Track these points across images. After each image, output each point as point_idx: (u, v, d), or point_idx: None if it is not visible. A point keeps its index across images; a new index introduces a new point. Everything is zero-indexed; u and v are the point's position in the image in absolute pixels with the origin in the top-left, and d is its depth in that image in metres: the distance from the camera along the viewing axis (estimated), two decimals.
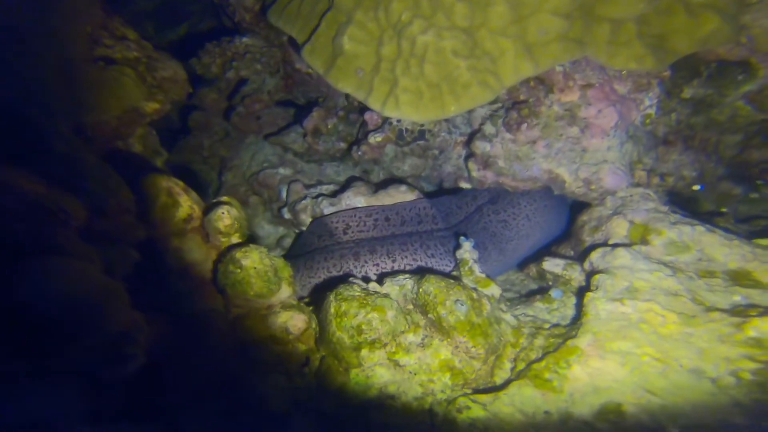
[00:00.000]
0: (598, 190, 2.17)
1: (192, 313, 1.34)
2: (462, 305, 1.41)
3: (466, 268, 1.89)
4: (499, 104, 2.49)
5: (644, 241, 1.83)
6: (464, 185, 2.83)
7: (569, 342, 1.42)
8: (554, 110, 2.27)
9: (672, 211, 1.97)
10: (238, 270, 1.41)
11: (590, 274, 1.65)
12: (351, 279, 1.55)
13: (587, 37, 1.84)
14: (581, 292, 1.58)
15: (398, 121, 2.50)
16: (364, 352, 1.32)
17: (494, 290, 1.78)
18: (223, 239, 1.51)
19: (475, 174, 2.62)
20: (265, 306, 1.39)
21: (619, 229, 1.94)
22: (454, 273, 1.94)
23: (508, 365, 1.56)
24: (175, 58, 2.31)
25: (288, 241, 2.83)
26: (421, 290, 1.48)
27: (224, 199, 1.58)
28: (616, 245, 1.82)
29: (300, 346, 1.39)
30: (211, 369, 1.23)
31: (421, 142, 2.88)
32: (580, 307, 1.54)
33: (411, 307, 1.51)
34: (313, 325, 1.44)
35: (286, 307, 1.42)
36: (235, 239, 1.51)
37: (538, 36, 1.81)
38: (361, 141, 2.57)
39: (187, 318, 1.30)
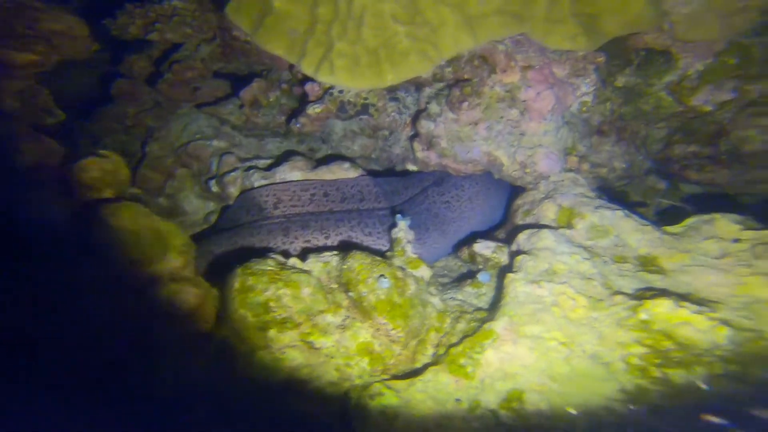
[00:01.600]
0: (532, 174, 2.21)
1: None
2: (385, 282, 1.37)
3: (399, 248, 1.85)
4: (445, 83, 2.46)
5: (569, 225, 1.89)
6: (411, 167, 2.80)
7: (486, 326, 1.43)
8: (496, 91, 2.26)
9: (598, 197, 2.04)
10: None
11: (515, 256, 1.67)
12: (270, 254, 1.46)
13: (525, 12, 1.82)
14: (504, 274, 1.59)
15: (340, 92, 2.39)
16: (272, 332, 1.24)
17: (424, 272, 1.76)
18: (88, 193, 1.34)
19: (419, 154, 2.59)
20: (145, 276, 1.26)
21: (549, 213, 1.98)
22: (388, 253, 1.91)
23: (431, 350, 1.55)
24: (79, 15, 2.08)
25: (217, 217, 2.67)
26: (345, 267, 1.42)
27: (101, 151, 1.41)
28: (542, 227, 1.86)
29: (199, 326, 1.28)
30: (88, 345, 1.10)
31: (370, 121, 2.80)
32: (501, 289, 1.55)
33: (335, 286, 1.45)
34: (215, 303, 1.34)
35: (175, 279, 1.29)
36: (108, 194, 1.35)
37: (478, 7, 1.77)
38: (299, 112, 2.44)
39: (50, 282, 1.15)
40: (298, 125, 2.42)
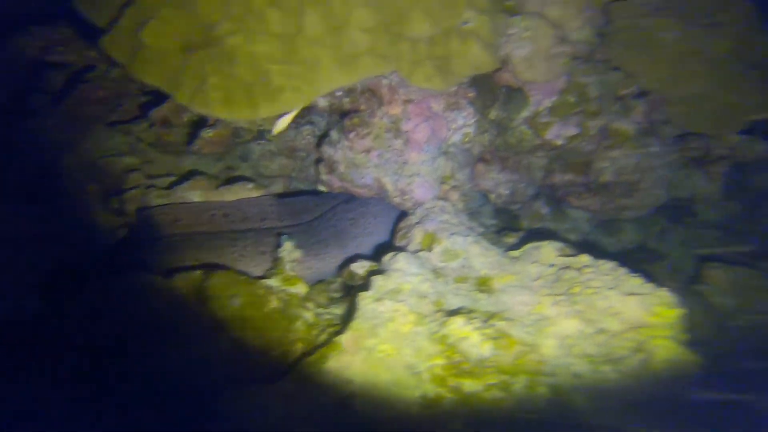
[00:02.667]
0: (410, 201, 2.50)
1: None
2: (236, 300, 1.58)
3: (280, 267, 2.07)
4: (340, 113, 2.72)
5: (430, 248, 2.18)
6: (322, 188, 3.04)
7: (335, 338, 1.68)
8: (384, 122, 2.54)
9: (460, 223, 2.35)
10: None
11: (373, 275, 1.93)
12: (141, 272, 1.63)
13: (392, 53, 2.10)
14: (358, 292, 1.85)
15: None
16: None
17: (300, 288, 1.99)
18: None
19: (323, 177, 2.83)
20: None
21: (418, 237, 2.27)
22: (269, 272, 2.12)
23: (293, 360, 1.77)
24: None
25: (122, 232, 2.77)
26: (205, 285, 1.62)
27: None
28: (406, 250, 2.15)
29: None
30: None
31: (288, 142, 3.01)
32: (353, 305, 1.80)
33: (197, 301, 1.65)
34: None
35: None
36: None
37: (350, 48, 2.03)
38: (195, 135, 2.62)
39: None
40: (196, 147, 2.59)
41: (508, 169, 3.08)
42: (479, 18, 2.14)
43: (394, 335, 1.66)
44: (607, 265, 1.87)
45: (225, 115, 1.94)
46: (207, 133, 2.56)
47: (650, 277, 1.82)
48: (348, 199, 2.86)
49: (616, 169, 2.96)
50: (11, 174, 2.85)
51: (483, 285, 2.04)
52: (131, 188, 2.60)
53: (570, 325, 1.73)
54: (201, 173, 2.88)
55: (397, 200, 2.52)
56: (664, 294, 1.70)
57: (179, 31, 1.91)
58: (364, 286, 1.84)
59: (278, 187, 3.17)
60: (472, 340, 1.55)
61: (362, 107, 2.57)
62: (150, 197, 2.54)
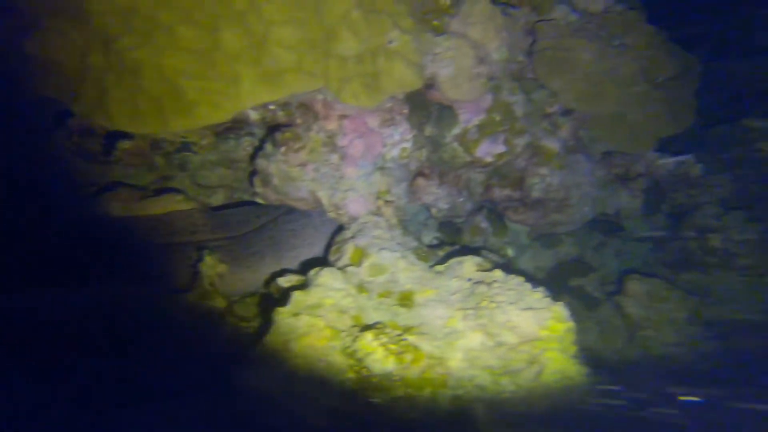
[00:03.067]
0: (345, 215, 2.58)
1: None
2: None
3: (202, 281, 2.11)
4: (274, 125, 2.76)
5: (359, 263, 2.26)
6: (260, 200, 3.06)
7: (249, 353, 1.73)
8: (320, 136, 2.61)
9: (391, 239, 2.45)
10: None
11: (294, 290, 1.99)
12: None
13: (319, 71, 2.18)
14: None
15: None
16: None
17: (219, 302, 2.03)
18: None
19: (259, 190, 2.87)
20: None
21: (349, 252, 2.35)
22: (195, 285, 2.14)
23: None
24: None
25: None
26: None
27: None
28: (336, 264, 2.22)
29: None
30: None
31: (229, 153, 3.01)
32: (269, 320, 1.86)
33: None
34: None
35: None
36: None
37: (272, 65, 2.10)
38: (112, 146, 2.59)
39: None
40: (113, 158, 2.56)
41: (447, 183, 3.22)
42: (404, 38, 2.26)
43: (308, 350, 1.73)
44: (514, 280, 2.01)
45: (129, 128, 1.96)
46: (124, 144, 2.54)
47: (550, 292, 1.98)
48: (290, 210, 2.90)
49: (544, 185, 3.16)
50: None
51: (405, 299, 2.14)
52: None
53: (475, 339, 1.86)
54: (125, 184, 2.83)
55: (332, 214, 2.59)
56: (558, 309, 1.85)
57: (73, 42, 1.90)
58: (283, 300, 1.90)
59: (219, 198, 3.16)
60: (378, 355, 1.64)
61: (298, 121, 2.63)
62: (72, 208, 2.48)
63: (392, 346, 1.67)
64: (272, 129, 2.71)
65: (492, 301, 1.90)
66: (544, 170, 3.12)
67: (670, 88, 3.52)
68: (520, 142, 2.93)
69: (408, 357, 1.71)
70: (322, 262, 2.71)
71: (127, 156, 2.65)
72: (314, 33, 2.11)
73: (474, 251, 3.33)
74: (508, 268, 3.20)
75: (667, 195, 3.95)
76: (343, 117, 2.56)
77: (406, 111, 2.69)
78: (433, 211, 3.28)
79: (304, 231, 2.81)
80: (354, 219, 2.55)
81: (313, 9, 2.16)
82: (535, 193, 3.19)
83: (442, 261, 2.49)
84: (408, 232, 2.73)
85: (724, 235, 3.80)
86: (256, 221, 2.86)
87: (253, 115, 2.71)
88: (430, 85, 2.68)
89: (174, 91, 2.01)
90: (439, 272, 2.31)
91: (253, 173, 2.84)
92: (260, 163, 2.73)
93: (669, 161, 3.91)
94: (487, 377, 1.85)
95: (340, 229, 2.56)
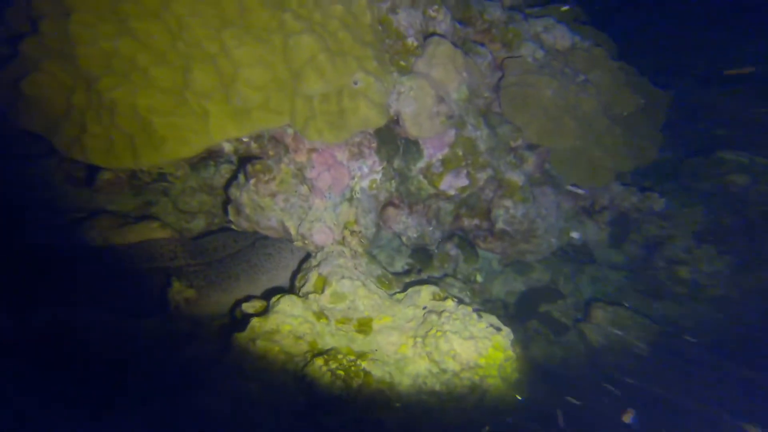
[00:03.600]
0: (311, 245, 2.71)
1: None
2: None
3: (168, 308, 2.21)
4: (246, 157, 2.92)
5: (321, 291, 2.38)
6: (234, 227, 3.18)
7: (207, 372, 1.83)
8: (290, 168, 2.76)
9: (355, 267, 2.57)
10: None
11: (253, 317, 2.10)
12: None
13: (285, 109, 2.34)
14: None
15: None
16: None
17: (184, 326, 2.12)
18: None
19: (233, 218, 2.99)
20: None
21: (313, 279, 2.47)
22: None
23: None
24: None
25: None
26: None
27: None
28: (300, 292, 2.34)
29: None
30: None
31: (207, 180, 3.15)
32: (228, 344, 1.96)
33: None
34: None
35: None
36: None
37: (239, 104, 2.26)
38: (93, 177, 2.73)
39: None
40: (93, 185, 2.69)
41: (416, 213, 3.37)
42: (368, 79, 2.44)
43: (264, 373, 1.83)
44: (462, 310, 2.14)
45: (103, 164, 2.11)
46: (103, 175, 2.68)
47: (494, 325, 2.10)
48: (270, 239, 3.01)
49: (508, 217, 3.32)
50: None
51: (364, 326, 2.26)
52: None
53: (422, 365, 1.97)
54: (107, 212, 2.95)
55: (299, 244, 2.71)
56: (499, 338, 1.97)
57: (61, 82, 2.07)
58: (242, 326, 2.01)
59: (200, 223, 3.29)
60: (325, 380, 1.74)
61: (270, 153, 2.78)
62: (53, 233, 2.60)
63: (340, 372, 1.77)
64: (245, 160, 2.86)
65: (439, 330, 2.01)
66: (508, 202, 3.29)
67: (634, 123, 3.73)
68: (483, 175, 3.10)
69: (357, 381, 1.81)
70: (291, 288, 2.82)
71: (107, 185, 2.79)
72: (281, 74, 2.28)
73: (440, 279, 3.47)
74: (471, 295, 3.33)
75: (632, 227, 4.12)
76: (312, 150, 2.72)
77: (374, 145, 2.85)
78: (404, 239, 3.42)
79: (279, 255, 2.92)
80: (320, 248, 2.67)
81: (281, 52, 2.34)
82: (500, 225, 3.34)
83: (406, 288, 2.61)
84: (374, 260, 2.85)
85: (692, 267, 3.96)
86: (233, 246, 2.98)
87: (227, 147, 2.86)
88: (396, 121, 2.85)
89: (145, 128, 2.16)
90: (398, 300, 2.43)
91: (227, 202, 2.98)
92: (233, 192, 2.87)
93: (633, 196, 4.10)
94: (435, 402, 1.95)
95: (308, 256, 2.68)
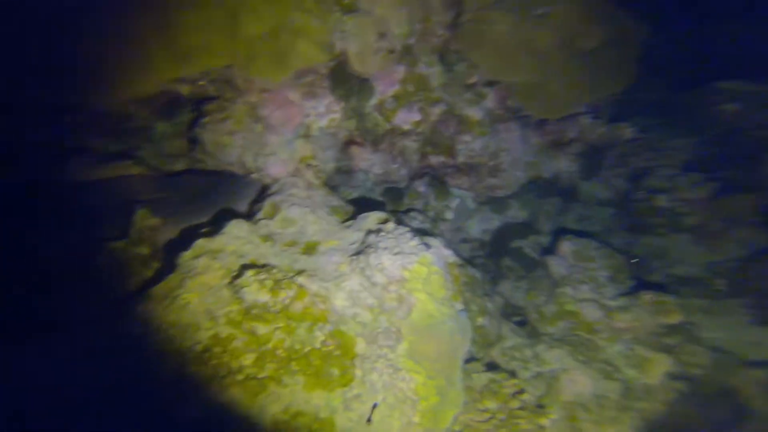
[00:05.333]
0: (267, 177, 2.73)
1: None
2: None
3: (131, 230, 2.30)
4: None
5: (272, 217, 2.42)
6: (202, 166, 3.23)
7: (149, 290, 1.92)
8: (244, 108, 2.74)
9: (310, 197, 2.59)
10: None
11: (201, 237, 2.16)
12: None
13: (227, 49, 2.31)
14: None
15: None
16: None
17: (144, 250, 2.23)
18: None
19: (199, 156, 3.03)
20: None
21: (266, 206, 2.51)
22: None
23: None
24: None
25: None
26: None
27: None
28: (252, 217, 2.39)
29: None
30: None
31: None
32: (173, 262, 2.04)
33: None
34: None
35: None
36: None
37: (184, 44, 2.23)
38: None
39: None
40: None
41: (381, 151, 3.32)
42: (305, 17, 2.35)
43: (201, 286, 1.91)
44: (399, 230, 2.14)
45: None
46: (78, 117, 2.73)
47: (426, 243, 2.11)
48: (233, 173, 3.07)
49: (467, 150, 3.24)
50: None
51: (310, 248, 2.30)
52: None
53: (355, 280, 2.02)
54: (89, 150, 3.03)
55: (255, 176, 2.74)
56: (426, 255, 1.97)
57: None
58: (186, 246, 2.08)
59: (181, 165, 3.35)
60: (252, 288, 1.81)
61: (227, 95, 2.76)
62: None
63: (268, 282, 1.84)
64: (203, 103, 2.86)
65: (374, 248, 2.04)
66: (467, 137, 3.19)
67: (599, 57, 3.50)
68: (436, 110, 3.01)
69: (287, 293, 1.87)
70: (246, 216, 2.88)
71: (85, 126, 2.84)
72: (220, 17, 2.22)
73: (404, 213, 3.47)
74: (432, 227, 3.33)
75: (604, 158, 3.96)
76: (264, 91, 2.68)
77: (326, 85, 2.79)
78: (370, 176, 3.41)
79: (239, 189, 2.99)
80: (276, 180, 2.70)
81: None
82: (461, 158, 3.28)
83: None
84: (331, 192, 2.86)
85: (672, 196, 3.78)
86: (201, 183, 3.04)
87: (185, 90, 2.85)
88: (344, 60, 2.77)
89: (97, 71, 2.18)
90: (347, 226, 2.45)
91: (193, 141, 3.01)
92: (197, 132, 2.88)
93: (601, 128, 3.89)
94: (368, 315, 2.01)
95: (264, 188, 2.72)
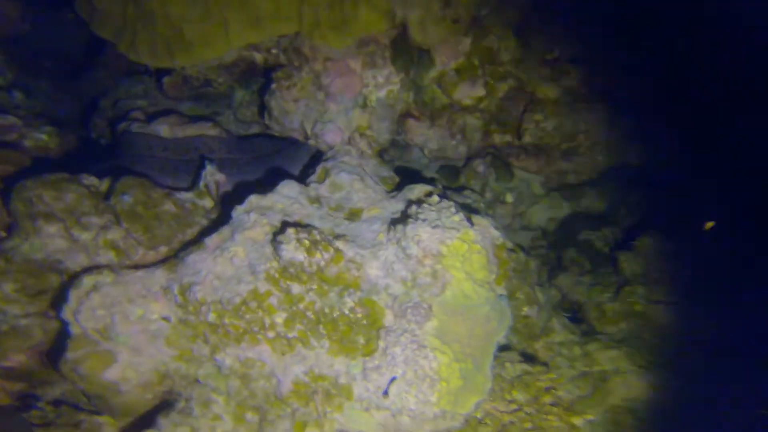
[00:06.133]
0: (323, 143, 2.74)
1: None
2: (127, 197, 2.01)
3: (198, 183, 2.49)
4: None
5: (323, 181, 2.45)
6: (272, 132, 3.37)
7: (204, 239, 2.05)
8: (309, 77, 2.76)
9: (360, 165, 2.55)
10: None
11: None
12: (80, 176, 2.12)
13: (294, 15, 2.31)
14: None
15: (182, 68, 2.96)
16: (40, 222, 1.91)
17: (207, 202, 2.40)
18: None
19: (267, 122, 3.16)
20: None
21: (318, 171, 2.53)
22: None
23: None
24: None
25: None
26: (113, 186, 2.07)
27: None
28: (305, 181, 2.44)
29: None
30: None
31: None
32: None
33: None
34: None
35: None
36: None
37: (254, 12, 2.27)
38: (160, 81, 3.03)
39: None
40: (162, 90, 3.01)
41: (438, 127, 3.15)
42: None
43: (247, 240, 2.00)
44: (444, 204, 2.01)
45: (149, 62, 2.34)
46: (167, 79, 2.99)
47: (470, 220, 1.94)
48: (296, 140, 3.17)
49: (537, 130, 2.91)
50: None
51: (353, 214, 2.27)
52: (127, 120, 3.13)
53: (391, 251, 1.95)
54: (175, 112, 3.34)
55: (313, 143, 2.78)
56: (469, 232, 1.82)
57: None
58: (241, 201, 2.18)
59: (254, 130, 3.57)
60: (289, 246, 1.83)
61: (296, 63, 2.80)
62: (132, 127, 3.06)
63: (306, 242, 1.85)
64: (273, 70, 2.94)
65: (414, 219, 1.95)
66: (538, 116, 2.87)
67: None
68: (503, 86, 2.73)
69: (324, 255, 1.88)
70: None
71: (170, 87, 3.14)
72: None
73: (458, 191, 3.28)
74: (485, 208, 3.11)
75: None
76: (327, 59, 2.66)
77: (387, 54, 2.68)
78: (425, 151, 3.27)
79: (300, 155, 3.08)
80: (329, 147, 2.71)
81: None
82: (527, 138, 2.97)
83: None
84: (383, 162, 2.80)
85: None
86: (268, 147, 3.21)
87: (258, 58, 2.95)
88: (405, 29, 2.61)
89: (177, 34, 2.35)
90: (392, 196, 2.38)
91: (263, 108, 3.14)
92: (266, 99, 3.00)
93: None
94: (400, 287, 1.94)
95: (319, 154, 2.75)
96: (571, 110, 2.93)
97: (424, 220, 1.87)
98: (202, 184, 2.45)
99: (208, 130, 3.16)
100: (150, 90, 3.59)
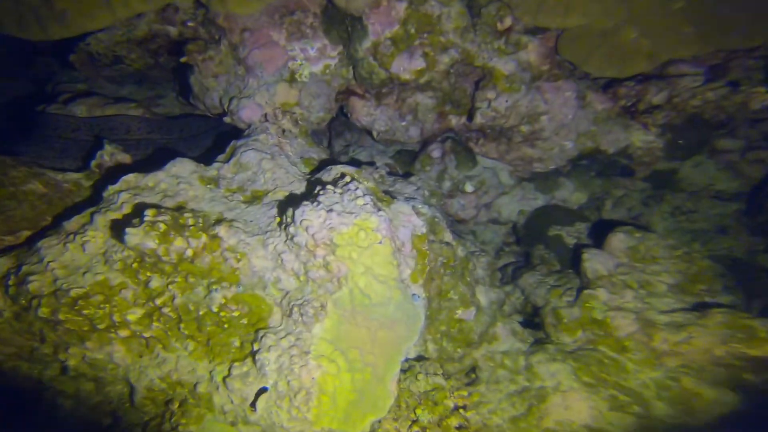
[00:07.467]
0: (239, 121, 2.39)
1: None
2: None
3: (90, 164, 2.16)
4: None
5: (228, 160, 2.09)
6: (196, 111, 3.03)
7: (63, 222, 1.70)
8: (227, 50, 2.41)
9: (278, 144, 2.20)
10: None
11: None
12: None
13: None
14: None
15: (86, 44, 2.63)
16: None
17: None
18: None
19: (192, 101, 2.82)
20: None
21: (227, 151, 2.19)
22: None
23: None
24: None
25: None
26: None
27: None
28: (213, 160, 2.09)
29: None
30: None
31: None
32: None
33: None
34: None
35: None
36: None
37: None
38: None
39: None
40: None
41: (385, 106, 2.78)
42: None
43: (109, 224, 1.65)
44: (351, 186, 1.64)
45: (17, 34, 2.03)
46: (72, 57, 2.68)
47: (377, 205, 1.57)
48: (211, 118, 2.84)
49: (488, 110, 2.53)
50: None
51: (255, 197, 1.91)
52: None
53: (281, 239, 1.58)
54: (98, 94, 3.02)
55: (227, 120, 2.43)
56: (370, 219, 1.42)
57: None
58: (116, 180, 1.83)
59: (179, 110, 3.24)
60: (144, 235, 1.47)
61: (216, 36, 2.45)
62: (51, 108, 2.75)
63: (163, 227, 1.49)
64: (187, 43, 2.60)
65: (306, 200, 1.59)
66: (490, 93, 2.48)
67: None
68: (445, 58, 2.34)
69: (191, 242, 1.51)
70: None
71: (79, 63, 2.82)
72: None
73: (403, 177, 2.90)
74: (430, 197, 2.73)
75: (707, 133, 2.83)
76: (244, 30, 2.31)
77: (315, 24, 2.33)
78: (373, 133, 2.90)
79: (213, 134, 2.76)
80: (246, 123, 2.35)
81: None
82: (478, 119, 2.59)
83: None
84: (312, 143, 2.44)
85: None
86: (199, 127, 2.88)
87: (173, 32, 2.60)
88: None
89: (47, 4, 2.03)
90: (306, 178, 2.03)
91: (183, 86, 2.80)
92: (187, 75, 2.67)
93: (709, 93, 2.76)
94: (292, 282, 1.59)
95: (239, 132, 2.40)
96: (529, 88, 2.54)
97: (318, 204, 1.50)
98: (93, 164, 2.11)
99: (130, 110, 2.83)
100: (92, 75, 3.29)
